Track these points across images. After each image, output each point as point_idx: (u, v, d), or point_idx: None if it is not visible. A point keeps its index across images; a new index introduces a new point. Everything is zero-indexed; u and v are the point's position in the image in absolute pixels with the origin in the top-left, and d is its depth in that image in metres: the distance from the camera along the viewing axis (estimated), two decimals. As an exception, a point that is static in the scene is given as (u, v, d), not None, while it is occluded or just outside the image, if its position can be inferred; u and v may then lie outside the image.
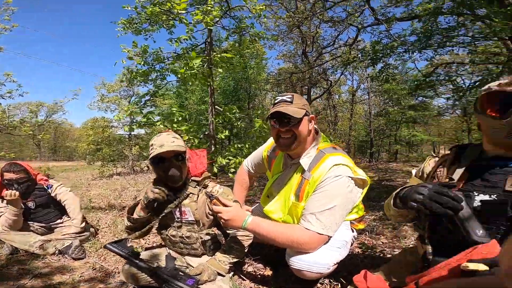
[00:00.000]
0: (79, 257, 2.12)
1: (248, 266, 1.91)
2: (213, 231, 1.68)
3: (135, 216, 1.61)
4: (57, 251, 2.19)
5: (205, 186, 1.65)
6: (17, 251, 2.22)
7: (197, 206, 1.62)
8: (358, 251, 2.14)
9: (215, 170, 3.91)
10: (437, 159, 1.27)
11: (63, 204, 2.50)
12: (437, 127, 17.24)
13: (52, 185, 2.50)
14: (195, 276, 1.46)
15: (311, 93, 12.77)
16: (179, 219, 1.66)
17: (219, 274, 1.55)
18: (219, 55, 4.00)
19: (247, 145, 4.45)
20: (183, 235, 1.65)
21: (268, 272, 1.83)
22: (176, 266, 1.55)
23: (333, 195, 1.40)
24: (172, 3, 3.43)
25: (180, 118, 4.01)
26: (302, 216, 1.45)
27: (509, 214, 0.98)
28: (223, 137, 4.08)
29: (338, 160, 1.45)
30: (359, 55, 5.63)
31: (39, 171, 2.79)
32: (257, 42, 4.83)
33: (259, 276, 1.78)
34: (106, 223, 3.06)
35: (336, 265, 1.50)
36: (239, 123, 4.44)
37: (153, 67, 4.25)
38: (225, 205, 1.45)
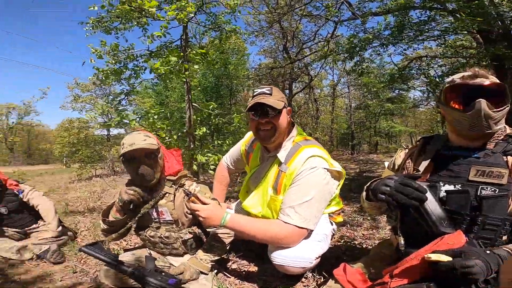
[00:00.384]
0: (58, 261, 2.06)
1: (233, 263, 1.90)
2: (193, 230, 1.66)
3: (110, 218, 1.58)
4: (34, 256, 2.12)
5: (182, 185, 1.63)
6: None
7: (175, 206, 1.60)
8: (340, 244, 2.18)
9: (195, 168, 3.87)
10: (407, 151, 1.30)
11: (36, 209, 2.41)
12: (414, 118, 17.88)
13: (23, 190, 2.41)
14: (177, 276, 1.45)
15: (293, 87, 12.86)
16: (156, 220, 1.63)
17: (202, 272, 1.54)
18: (193, 51, 3.94)
19: (227, 142, 4.42)
20: (162, 235, 1.63)
21: (253, 268, 1.84)
22: (157, 266, 1.53)
23: (309, 187, 1.40)
24: (142, 0, 3.31)
25: (155, 117, 3.92)
26: (281, 210, 1.45)
27: (473, 203, 1.00)
28: (201, 133, 4.02)
29: (313, 152, 1.45)
30: (336, 49, 5.72)
31: (13, 176, 2.67)
32: (232, 37, 4.75)
33: (243, 272, 1.79)
34: (85, 226, 2.97)
35: (319, 259, 1.52)
36: (216, 119, 4.39)
37: (125, 65, 4.11)
38: (203, 203, 1.43)
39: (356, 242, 2.19)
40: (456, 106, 1.07)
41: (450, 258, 0.86)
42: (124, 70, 4.03)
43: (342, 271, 1.20)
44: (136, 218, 1.58)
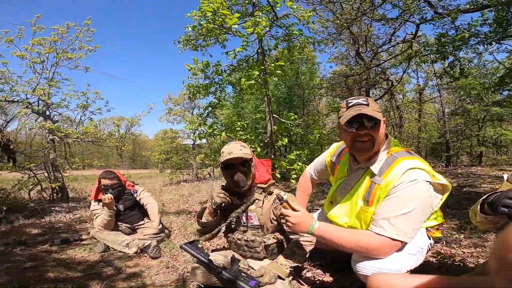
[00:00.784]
0: (155, 256, 2.37)
1: (307, 271, 1.92)
2: (276, 235, 1.75)
3: (203, 220, 1.79)
4: (138, 250, 2.49)
5: (270, 193, 1.74)
6: (108, 249, 2.59)
7: (262, 212, 1.72)
8: (433, 260, 1.97)
9: (278, 175, 4.01)
10: None
11: (145, 207, 2.86)
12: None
13: (137, 190, 2.90)
14: (257, 278, 1.54)
15: (370, 94, 12.04)
16: (245, 224, 1.78)
17: (280, 277, 1.61)
18: (273, 64, 4.15)
19: (305, 152, 4.46)
20: (248, 239, 1.77)
21: (328, 278, 1.82)
22: (240, 267, 1.66)
23: (408, 200, 1.33)
24: (223, 18, 3.69)
25: (238, 128, 4.25)
26: (373, 222, 1.39)
27: None
28: (283, 144, 4.17)
29: (413, 164, 1.37)
30: (423, 50, 5.14)
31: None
32: (307, 47, 4.80)
33: (317, 281, 1.79)
34: (177, 225, 3.38)
35: (409, 272, 1.42)
36: (297, 129, 4.49)
37: (213, 80, 4.61)
38: (294, 209, 1.48)
39: (455, 260, 1.94)
40: None
41: None
42: (211, 85, 4.53)
43: None
44: (228, 221, 1.76)
